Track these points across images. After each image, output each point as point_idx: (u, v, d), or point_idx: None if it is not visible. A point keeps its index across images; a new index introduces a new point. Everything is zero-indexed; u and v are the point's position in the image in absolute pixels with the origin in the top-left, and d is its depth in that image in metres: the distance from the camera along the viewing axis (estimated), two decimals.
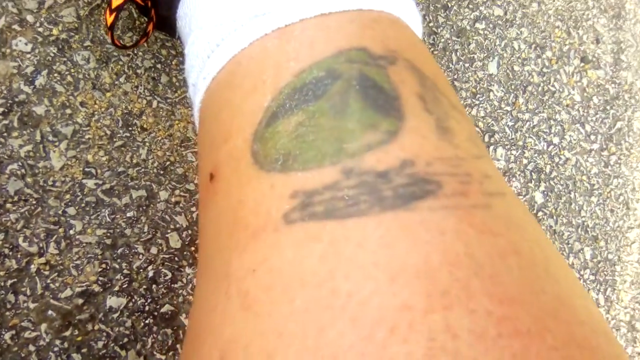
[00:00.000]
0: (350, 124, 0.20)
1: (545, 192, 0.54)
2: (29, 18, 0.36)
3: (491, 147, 0.51)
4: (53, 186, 0.35)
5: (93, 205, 0.35)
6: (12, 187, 0.34)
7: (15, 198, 0.34)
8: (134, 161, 0.37)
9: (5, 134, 0.34)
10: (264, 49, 0.24)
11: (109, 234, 0.36)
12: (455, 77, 0.51)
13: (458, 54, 0.51)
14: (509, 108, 0.53)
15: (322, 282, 0.17)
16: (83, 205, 0.35)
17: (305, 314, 0.16)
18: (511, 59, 0.54)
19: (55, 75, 0.36)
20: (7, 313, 0.33)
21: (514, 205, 0.20)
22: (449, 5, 0.51)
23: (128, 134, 0.37)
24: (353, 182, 0.18)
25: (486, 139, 0.51)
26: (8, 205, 0.34)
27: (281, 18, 0.24)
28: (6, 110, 0.34)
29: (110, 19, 0.30)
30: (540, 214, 0.53)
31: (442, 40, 0.51)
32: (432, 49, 0.50)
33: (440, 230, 0.17)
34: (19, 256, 0.34)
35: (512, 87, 0.54)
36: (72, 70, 0.37)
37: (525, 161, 0.53)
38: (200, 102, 0.27)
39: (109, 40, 0.31)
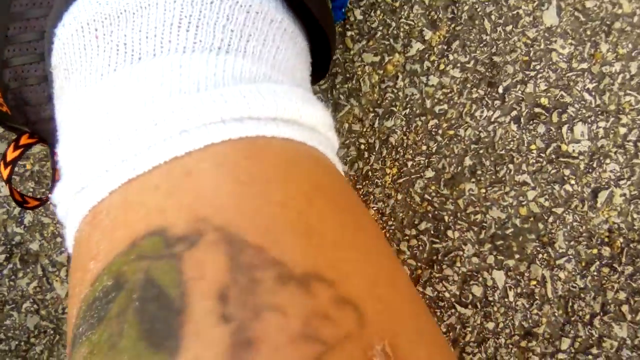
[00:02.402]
0: None
1: None
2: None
3: (565, 127, 0.39)
4: (64, 313, 0.37)
5: None
6: (31, 322, 0.37)
7: (36, 332, 0.37)
8: None
9: (13, 277, 0.37)
10: (81, 237, 0.21)
11: None
12: (494, 50, 0.39)
13: (493, 17, 0.39)
14: (585, 65, 0.39)
15: None
16: None
17: None
18: None
19: (40, 209, 0.38)
20: None
21: None
22: None
23: None
24: None
25: (554, 118, 0.39)
26: (32, 340, 0.37)
27: (92, 194, 0.20)
28: (8, 254, 0.37)
29: (5, 172, 0.29)
30: None
31: (466, 7, 0.39)
32: (452, 25, 0.39)
33: None
34: None
35: (587, 33, 0.39)
36: None
37: (623, 130, 0.39)
38: None
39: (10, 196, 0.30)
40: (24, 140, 0.30)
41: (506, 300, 0.38)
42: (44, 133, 0.29)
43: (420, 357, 0.17)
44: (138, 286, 0.17)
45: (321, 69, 0.31)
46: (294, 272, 0.16)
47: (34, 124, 0.29)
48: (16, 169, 0.38)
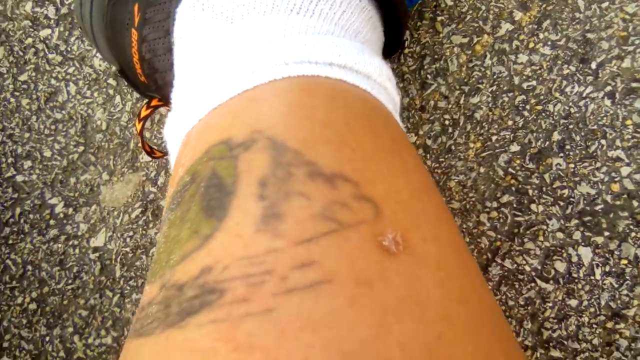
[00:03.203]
0: (183, 232, 0.20)
1: None
2: (147, 134, 0.46)
3: None
4: None
5: None
6: None
7: None
8: None
9: (145, 227, 0.45)
10: (177, 155, 0.27)
11: None
12: (588, 28, 0.39)
13: None
14: None
15: None
16: None
17: None
18: None
19: (171, 173, 0.45)
20: None
21: (333, 295, 0.17)
22: None
23: None
24: (160, 297, 0.19)
25: None
26: None
27: (188, 122, 0.26)
28: (144, 209, 0.45)
29: (139, 126, 0.37)
30: None
31: None
32: (544, 5, 0.39)
33: (192, 350, 0.16)
34: None
35: None
36: None
37: None
38: None
39: (141, 146, 0.37)
40: (154, 102, 0.38)
41: (592, 278, 0.36)
42: (168, 95, 0.36)
43: (430, 253, 0.19)
44: (205, 178, 0.21)
45: (395, 45, 0.34)
46: (323, 171, 0.20)
47: (161, 88, 0.36)
48: (155, 140, 0.46)
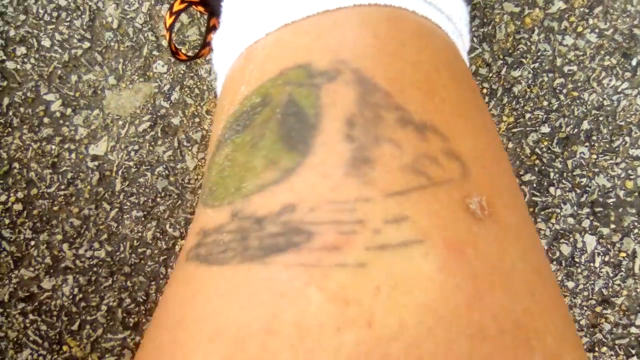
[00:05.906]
0: (256, 159, 0.19)
1: None
2: (164, 42, 0.42)
3: None
4: (189, 183, 0.42)
5: None
6: (160, 185, 0.42)
7: (162, 194, 0.42)
8: None
9: (152, 143, 0.42)
10: (235, 69, 0.24)
11: None
12: (636, 22, 0.38)
13: None
14: None
15: (173, 327, 0.17)
16: None
17: (156, 350, 0.18)
18: None
19: (186, 89, 0.42)
20: (161, 282, 0.42)
21: (425, 257, 0.15)
22: None
23: None
24: (233, 226, 0.17)
25: None
26: (158, 199, 0.42)
27: (251, 34, 0.23)
28: (152, 123, 0.42)
29: (169, 20, 0.33)
30: None
31: None
32: None
33: (281, 291, 0.15)
34: (166, 239, 0.42)
35: None
36: (199, 83, 0.42)
37: None
38: None
39: (167, 44, 0.33)
40: None
41: (592, 264, 0.38)
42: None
43: (512, 222, 0.18)
44: (281, 103, 0.19)
45: None
46: (413, 119, 0.18)
47: None
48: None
